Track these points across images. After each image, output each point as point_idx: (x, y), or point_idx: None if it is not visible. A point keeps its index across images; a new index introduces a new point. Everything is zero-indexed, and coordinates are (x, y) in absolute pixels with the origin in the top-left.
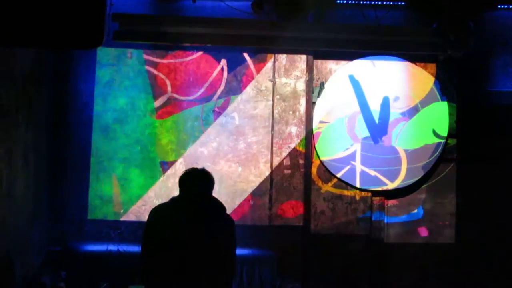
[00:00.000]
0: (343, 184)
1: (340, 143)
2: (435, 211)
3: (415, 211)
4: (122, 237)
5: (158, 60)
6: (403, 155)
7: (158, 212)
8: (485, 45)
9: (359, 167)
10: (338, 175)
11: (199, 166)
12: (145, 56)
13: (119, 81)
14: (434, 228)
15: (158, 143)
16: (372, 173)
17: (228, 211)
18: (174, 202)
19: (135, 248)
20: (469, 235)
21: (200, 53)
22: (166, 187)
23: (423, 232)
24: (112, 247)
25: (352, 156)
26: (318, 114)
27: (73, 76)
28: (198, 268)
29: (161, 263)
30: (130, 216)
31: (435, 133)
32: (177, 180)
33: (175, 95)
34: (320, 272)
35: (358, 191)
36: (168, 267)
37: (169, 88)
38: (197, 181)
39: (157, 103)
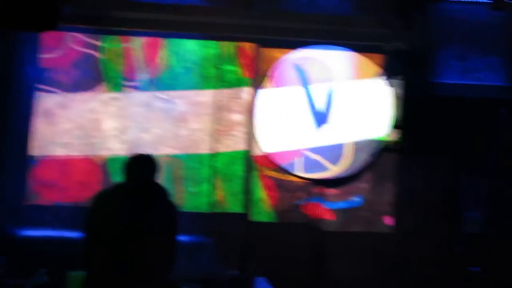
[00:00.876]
0: (285, 171)
1: (284, 131)
2: (375, 200)
3: (355, 199)
4: (60, 223)
5: (103, 44)
6: (346, 144)
7: (101, 197)
8: (430, 37)
9: (302, 152)
10: (280, 163)
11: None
12: (90, 40)
13: (63, 65)
14: (374, 217)
15: (100, 128)
16: (315, 157)
17: None
18: (118, 187)
19: (73, 234)
20: (408, 225)
21: (145, 38)
22: (108, 173)
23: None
24: (50, 233)
25: (295, 144)
26: (262, 102)
27: (16, 59)
28: (141, 254)
29: (104, 248)
30: (69, 201)
31: (380, 124)
32: (119, 166)
33: (119, 80)
34: (259, 259)
35: (299, 179)
36: (111, 253)
37: (113, 73)
38: (142, 167)
39: (101, 88)
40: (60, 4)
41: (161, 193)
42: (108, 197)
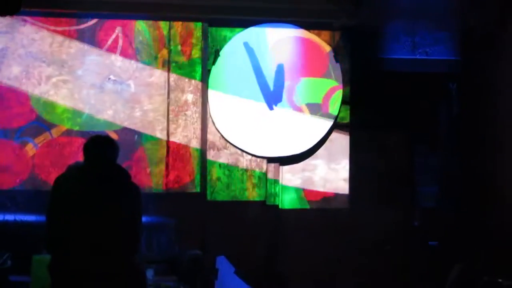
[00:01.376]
0: (239, 150)
1: (235, 110)
2: (329, 177)
3: (309, 176)
4: (19, 207)
5: (52, 27)
6: (297, 122)
7: (63, 180)
8: (378, 13)
9: (255, 132)
10: (234, 142)
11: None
12: (40, 24)
13: (13, 49)
14: (328, 194)
15: (53, 111)
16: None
17: None
18: (79, 170)
19: (33, 218)
20: (364, 201)
21: (94, 20)
22: (62, 155)
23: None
24: (9, 217)
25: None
26: (213, 81)
27: None
28: (105, 236)
29: (68, 231)
30: (26, 185)
31: (330, 101)
32: (73, 149)
33: (70, 63)
34: (217, 239)
35: (253, 157)
36: (75, 236)
37: (64, 56)
38: (102, 148)
39: (51, 70)
40: None
41: (122, 175)
42: (70, 179)
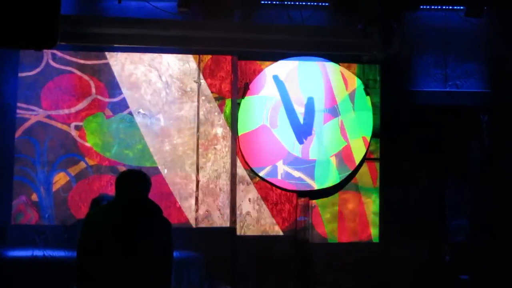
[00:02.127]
0: (269, 185)
1: (265, 145)
2: (359, 210)
3: (340, 210)
4: (48, 242)
5: (81, 61)
6: (328, 158)
7: (95, 215)
8: (408, 46)
9: (281, 167)
10: (263, 176)
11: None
12: (69, 57)
13: (42, 83)
14: (359, 227)
15: (83, 145)
16: (296, 174)
17: None
18: (111, 204)
19: (61, 253)
20: (394, 234)
21: (125, 54)
22: (91, 190)
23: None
24: (38, 253)
25: (277, 157)
26: (243, 115)
27: None
28: (136, 272)
29: (99, 267)
30: (55, 220)
31: (360, 134)
32: (101, 183)
33: (99, 97)
34: (247, 274)
35: (283, 192)
36: (106, 271)
37: (93, 90)
38: (134, 183)
39: (81, 105)
40: (60, 22)
41: (154, 210)
42: (102, 215)
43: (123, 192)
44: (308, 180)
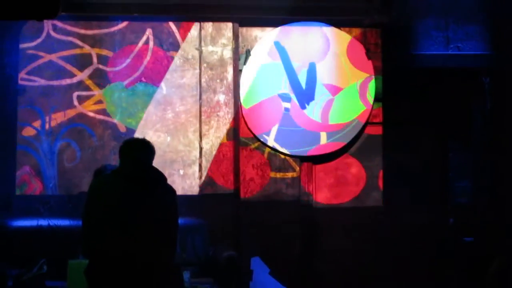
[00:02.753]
0: (272, 150)
1: (268, 110)
2: (362, 175)
3: (342, 175)
4: (52, 212)
5: (83, 31)
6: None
7: (99, 184)
8: (409, 9)
9: (284, 129)
10: (267, 141)
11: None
12: (70, 28)
13: (44, 53)
14: (362, 191)
15: (85, 115)
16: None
17: None
18: (115, 173)
19: (66, 223)
20: (398, 197)
21: (125, 23)
22: (95, 160)
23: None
24: (43, 222)
25: (278, 119)
26: (245, 81)
27: None
28: (143, 239)
29: (104, 236)
30: (59, 190)
31: (362, 98)
32: (105, 152)
33: (101, 66)
34: (251, 238)
35: (286, 157)
36: (112, 240)
37: (95, 60)
38: (138, 151)
39: (83, 75)
40: None
41: (159, 178)
42: (106, 184)
43: (127, 161)
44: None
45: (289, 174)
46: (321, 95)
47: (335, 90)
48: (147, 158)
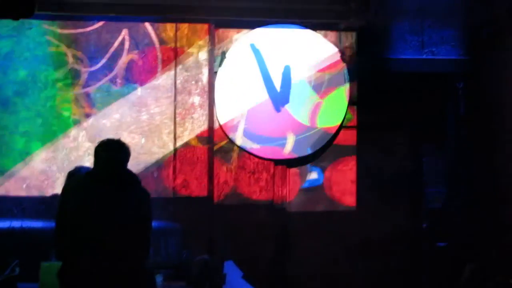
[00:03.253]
0: (246, 154)
1: (242, 112)
2: (336, 178)
3: (316, 178)
4: (25, 213)
5: (58, 30)
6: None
7: (73, 185)
8: (385, 12)
9: (255, 130)
10: (241, 144)
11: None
12: (46, 27)
13: (19, 52)
14: (335, 196)
15: (59, 115)
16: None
17: None
18: (89, 175)
19: (39, 224)
20: (370, 202)
21: (101, 23)
22: (69, 161)
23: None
24: (15, 224)
25: (253, 122)
26: (220, 83)
27: None
28: (116, 242)
29: (79, 237)
30: (33, 191)
31: (337, 101)
32: (79, 153)
33: (76, 66)
34: (225, 242)
35: (260, 160)
36: (86, 242)
37: (70, 59)
38: (113, 152)
39: (58, 74)
40: None
41: (133, 180)
42: (80, 185)
43: (101, 162)
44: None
45: (263, 177)
46: (308, 97)
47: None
48: (121, 159)
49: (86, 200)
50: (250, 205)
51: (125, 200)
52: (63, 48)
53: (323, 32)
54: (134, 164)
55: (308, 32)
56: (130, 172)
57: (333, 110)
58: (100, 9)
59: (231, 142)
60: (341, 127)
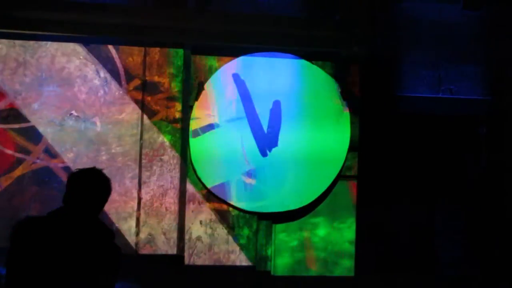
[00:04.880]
0: (225, 205)
1: (221, 155)
2: (331, 238)
3: (308, 237)
4: None
5: (4, 50)
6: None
7: (28, 229)
8: (394, 42)
9: (245, 182)
10: (219, 194)
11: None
12: None
13: None
14: (330, 259)
15: (2, 153)
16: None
17: None
18: (53, 217)
19: None
20: (373, 268)
21: (55, 44)
22: (10, 205)
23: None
24: None
25: (233, 171)
26: (196, 120)
27: None
28: None
29: None
30: None
31: (335, 146)
32: (24, 198)
33: (24, 95)
34: None
35: (241, 214)
36: None
37: (17, 86)
38: (90, 192)
39: (2, 104)
40: None
41: (105, 232)
42: (37, 229)
43: (72, 201)
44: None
45: (244, 234)
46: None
47: None
48: (97, 201)
49: (40, 248)
50: (228, 267)
51: (90, 257)
52: (8, 72)
53: (320, 63)
54: None
55: (303, 62)
56: (103, 224)
57: (331, 155)
58: (56, 27)
59: (207, 190)
60: (338, 176)
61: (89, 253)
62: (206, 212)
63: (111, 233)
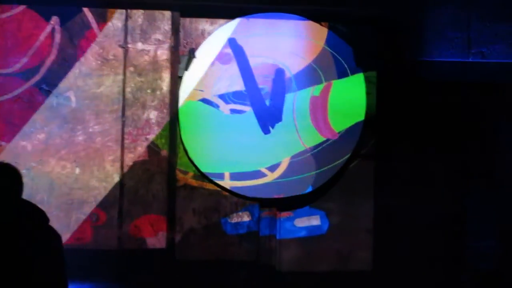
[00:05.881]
0: (221, 190)
1: (217, 133)
2: (346, 226)
3: (318, 225)
4: None
5: None
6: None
7: None
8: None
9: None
10: (212, 176)
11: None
12: None
13: None
14: (344, 250)
15: None
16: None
17: (62, 230)
18: None
19: None
20: (392, 260)
21: (21, 8)
22: None
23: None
24: None
25: (230, 151)
26: (186, 93)
27: None
28: None
29: None
30: None
31: (348, 119)
32: None
33: None
34: None
35: (240, 200)
36: None
37: None
38: (6, 181)
39: None
40: None
41: (37, 215)
42: None
43: None
44: (264, 171)
45: (244, 224)
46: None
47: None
48: (17, 188)
49: None
50: (226, 261)
51: (21, 248)
52: None
53: (329, 24)
54: (64, 203)
55: (310, 24)
56: (32, 205)
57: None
58: None
59: (201, 173)
60: (353, 155)
61: (23, 240)
62: (199, 199)
63: (44, 215)
